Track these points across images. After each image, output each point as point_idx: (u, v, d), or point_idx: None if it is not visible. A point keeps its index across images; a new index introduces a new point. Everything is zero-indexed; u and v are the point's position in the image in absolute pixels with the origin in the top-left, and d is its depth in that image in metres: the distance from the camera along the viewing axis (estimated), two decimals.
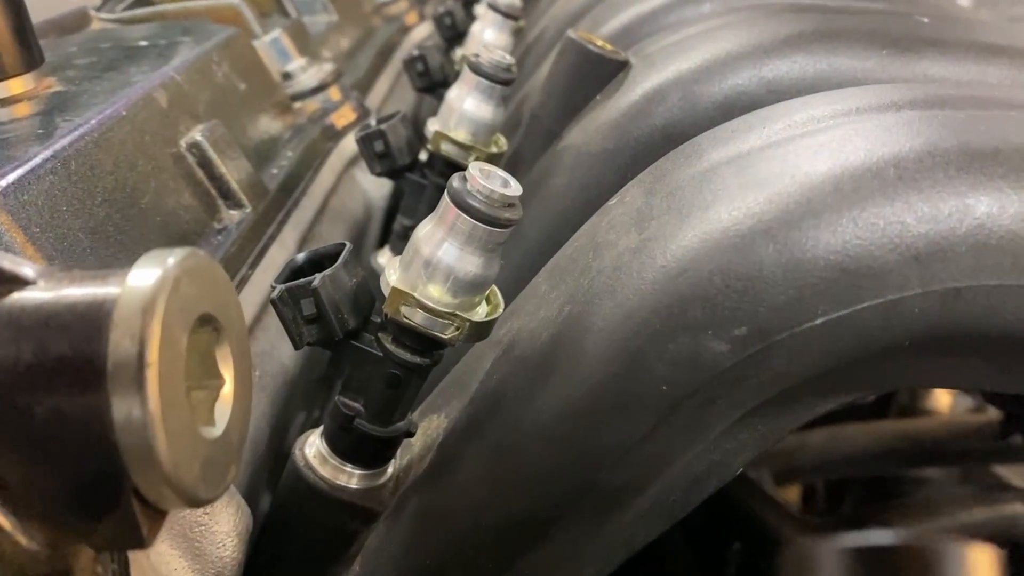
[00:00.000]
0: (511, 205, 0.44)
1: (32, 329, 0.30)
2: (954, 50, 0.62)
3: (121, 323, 0.29)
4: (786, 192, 0.40)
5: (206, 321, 0.33)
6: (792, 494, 1.50)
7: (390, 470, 0.53)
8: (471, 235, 0.44)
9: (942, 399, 1.91)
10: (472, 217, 0.44)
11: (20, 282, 0.31)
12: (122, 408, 0.29)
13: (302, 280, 0.46)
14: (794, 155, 0.42)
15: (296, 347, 0.47)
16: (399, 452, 0.53)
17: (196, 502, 0.32)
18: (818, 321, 0.38)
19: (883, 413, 1.77)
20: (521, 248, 0.67)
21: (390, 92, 1.17)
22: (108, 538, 0.31)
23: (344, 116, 0.91)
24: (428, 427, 0.54)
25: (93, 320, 0.30)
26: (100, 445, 0.29)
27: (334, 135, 0.90)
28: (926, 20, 0.67)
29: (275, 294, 0.46)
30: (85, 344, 0.29)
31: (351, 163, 0.90)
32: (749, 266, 0.39)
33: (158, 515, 0.32)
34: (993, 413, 1.58)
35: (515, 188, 0.44)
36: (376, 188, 0.94)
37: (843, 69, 0.60)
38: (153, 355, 0.29)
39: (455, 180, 0.44)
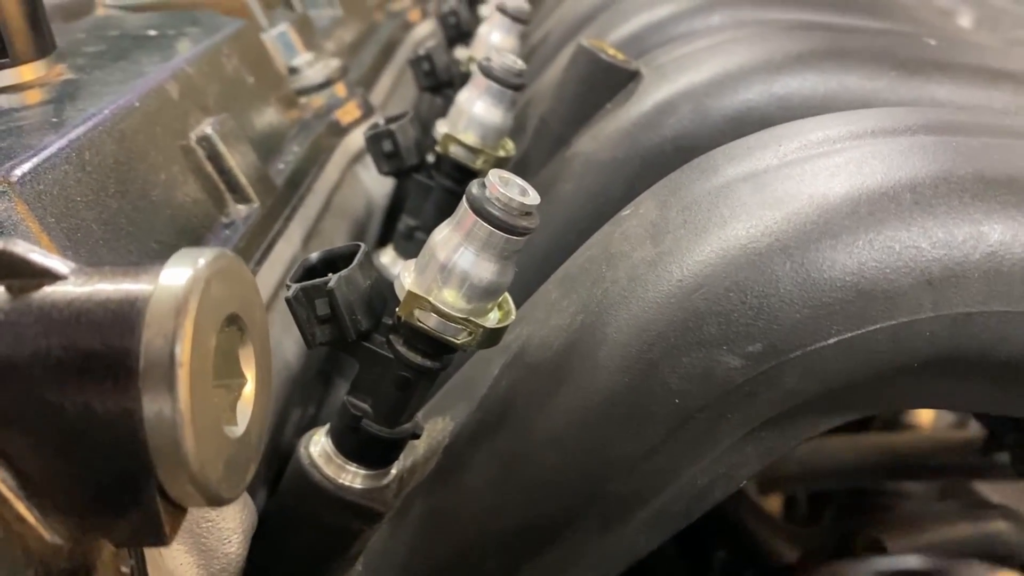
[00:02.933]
0: (528, 214, 0.45)
1: (63, 324, 0.30)
2: (961, 74, 0.63)
3: (154, 322, 0.29)
4: (804, 212, 0.41)
5: (232, 321, 0.34)
6: (774, 503, 1.51)
7: (394, 471, 0.53)
8: (488, 242, 0.44)
9: (924, 415, 1.93)
10: (490, 224, 0.44)
11: (51, 276, 0.31)
12: (153, 406, 0.29)
13: (318, 280, 0.46)
14: (812, 175, 0.43)
15: (309, 346, 0.47)
16: (403, 454, 0.54)
17: (218, 501, 0.32)
18: (831, 340, 0.39)
19: (866, 426, 1.79)
20: (527, 253, 0.67)
21: (393, 89, 1.17)
22: (130, 534, 0.32)
23: (349, 113, 0.91)
24: (433, 430, 0.54)
25: (125, 318, 0.30)
26: (128, 442, 0.30)
27: (339, 131, 0.90)
28: (933, 43, 0.68)
29: (290, 293, 0.46)
30: (117, 341, 0.30)
31: (354, 160, 0.90)
32: (765, 283, 0.40)
33: (179, 512, 0.32)
34: (974, 430, 1.60)
35: (533, 197, 0.45)
36: (377, 186, 0.94)
37: (853, 88, 0.61)
38: (185, 354, 0.29)
39: (474, 187, 0.44)
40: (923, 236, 0.39)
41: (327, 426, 0.53)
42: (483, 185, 0.44)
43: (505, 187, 0.44)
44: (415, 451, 0.54)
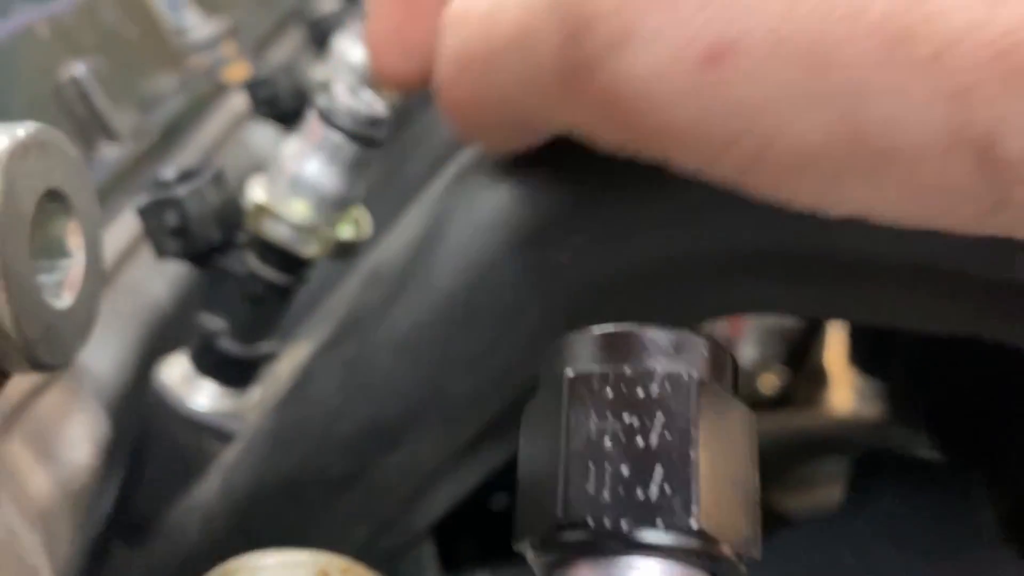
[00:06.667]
0: (377, 123, 0.46)
1: None
2: None
3: None
4: None
5: (55, 197, 0.34)
6: None
7: (254, 394, 0.54)
8: (336, 151, 0.46)
9: (841, 395, 2.00)
10: (340, 133, 0.45)
11: None
12: None
13: (169, 192, 0.47)
14: None
15: (159, 257, 0.48)
16: (265, 378, 0.55)
17: (37, 364, 0.33)
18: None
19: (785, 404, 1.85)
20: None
21: (287, 57, 1.17)
22: None
23: (236, 72, 0.91)
24: (296, 355, 0.55)
25: None
26: None
27: (222, 90, 0.90)
28: None
29: (141, 204, 0.47)
30: None
31: (237, 117, 0.90)
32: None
33: (1, 376, 0.33)
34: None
35: (382, 108, 0.46)
36: (267, 143, 0.94)
37: None
38: None
39: (321, 98, 0.46)
40: None
41: (185, 349, 0.54)
42: (332, 95, 0.46)
43: (354, 97, 0.46)
44: (277, 377, 0.55)
